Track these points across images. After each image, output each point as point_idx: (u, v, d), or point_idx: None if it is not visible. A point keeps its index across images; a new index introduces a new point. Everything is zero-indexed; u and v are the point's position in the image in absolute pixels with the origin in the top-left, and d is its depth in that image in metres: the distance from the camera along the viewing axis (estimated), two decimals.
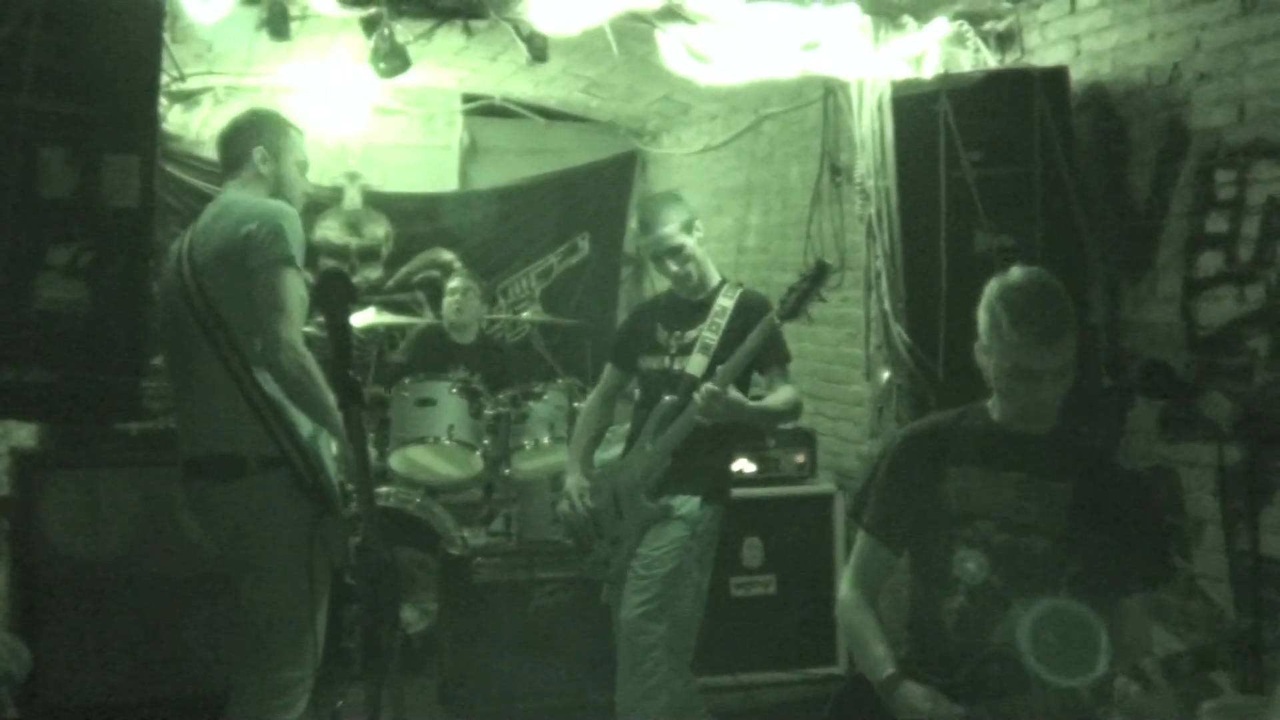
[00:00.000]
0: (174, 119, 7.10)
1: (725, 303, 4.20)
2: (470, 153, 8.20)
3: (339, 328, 2.60)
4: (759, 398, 4.17)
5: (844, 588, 2.96)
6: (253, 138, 3.88)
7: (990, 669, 2.65)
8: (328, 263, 7.21)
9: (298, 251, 3.64)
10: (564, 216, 8.28)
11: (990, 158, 4.33)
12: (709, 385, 3.89)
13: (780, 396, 4.11)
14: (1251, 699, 1.15)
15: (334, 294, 2.61)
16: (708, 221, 7.44)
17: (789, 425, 5.46)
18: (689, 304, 4.27)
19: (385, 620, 2.43)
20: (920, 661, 2.77)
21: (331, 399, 3.54)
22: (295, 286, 3.61)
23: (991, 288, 2.74)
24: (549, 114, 8.14)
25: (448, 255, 7.84)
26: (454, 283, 6.46)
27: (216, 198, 3.90)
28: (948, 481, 2.79)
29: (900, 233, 4.48)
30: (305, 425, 3.66)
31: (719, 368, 3.96)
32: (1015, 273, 2.74)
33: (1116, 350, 4.32)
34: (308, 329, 5.44)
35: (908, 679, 2.72)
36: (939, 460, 2.82)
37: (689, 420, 3.99)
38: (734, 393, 3.94)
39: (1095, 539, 2.68)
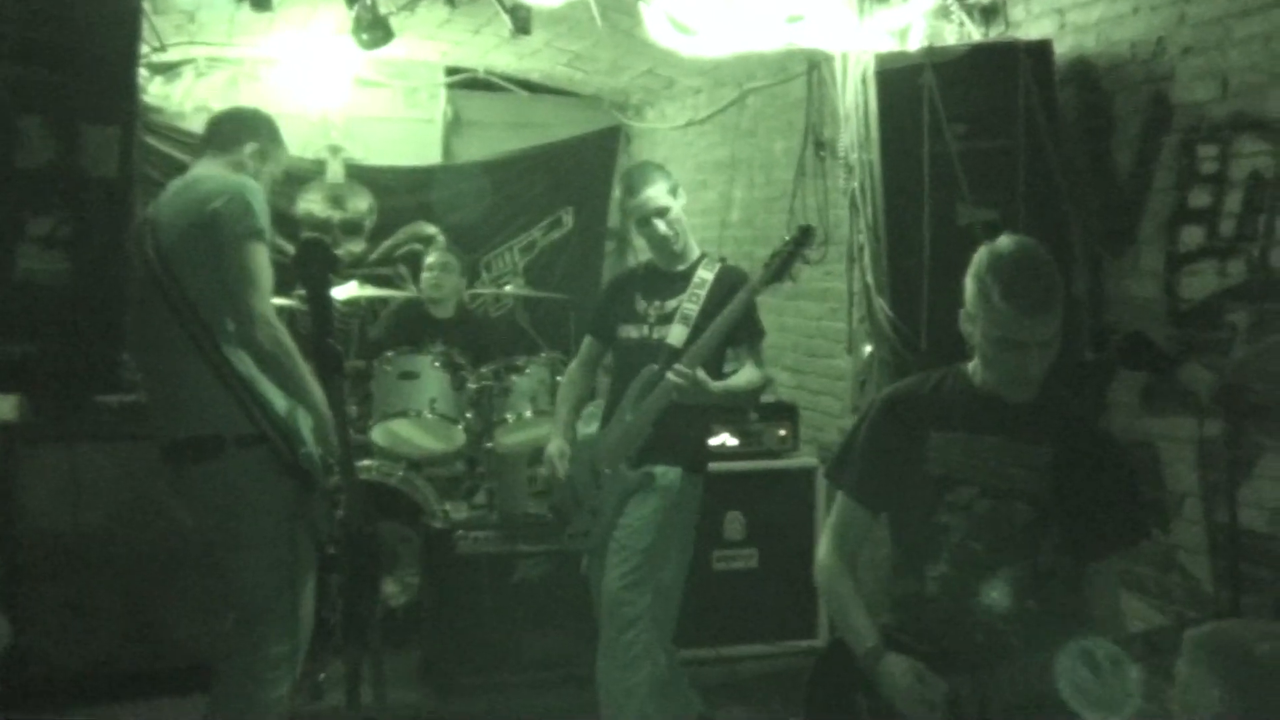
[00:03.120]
0: (155, 91, 7.05)
1: (705, 275, 4.22)
2: (453, 126, 8.16)
3: (319, 298, 2.59)
4: (730, 372, 4.20)
5: (823, 551, 2.94)
6: (252, 132, 3.95)
7: (974, 639, 2.66)
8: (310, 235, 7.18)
9: (265, 225, 3.64)
10: (547, 190, 8.27)
11: (974, 131, 4.31)
12: (680, 367, 3.91)
13: (745, 376, 4.15)
14: (1238, 622, 1.15)
15: (315, 263, 2.60)
16: (692, 196, 7.42)
17: (768, 395, 5.49)
18: (668, 275, 4.29)
19: (365, 591, 2.43)
20: (902, 629, 2.77)
21: (308, 372, 3.55)
22: (265, 261, 3.62)
23: (980, 257, 2.73)
24: (532, 87, 8.12)
25: (431, 229, 7.81)
26: (431, 257, 6.44)
27: (185, 172, 3.91)
28: (929, 446, 2.78)
29: (884, 206, 4.45)
30: (280, 400, 3.66)
31: (692, 346, 3.98)
32: (1005, 242, 2.72)
33: (1098, 324, 4.33)
34: (289, 302, 5.45)
35: (891, 651, 2.72)
36: (920, 424, 2.81)
37: (670, 389, 4.00)
38: (701, 374, 3.96)
39: (1074, 502, 2.68)
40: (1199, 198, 3.98)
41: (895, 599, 2.87)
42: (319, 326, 2.56)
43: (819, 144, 5.98)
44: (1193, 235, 3.99)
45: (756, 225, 6.80)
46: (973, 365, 2.83)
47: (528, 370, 5.70)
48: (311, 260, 2.60)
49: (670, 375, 3.94)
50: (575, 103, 8.29)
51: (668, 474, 4.10)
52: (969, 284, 2.74)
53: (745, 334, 4.15)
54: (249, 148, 3.91)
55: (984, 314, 2.68)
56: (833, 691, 2.88)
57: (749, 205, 6.91)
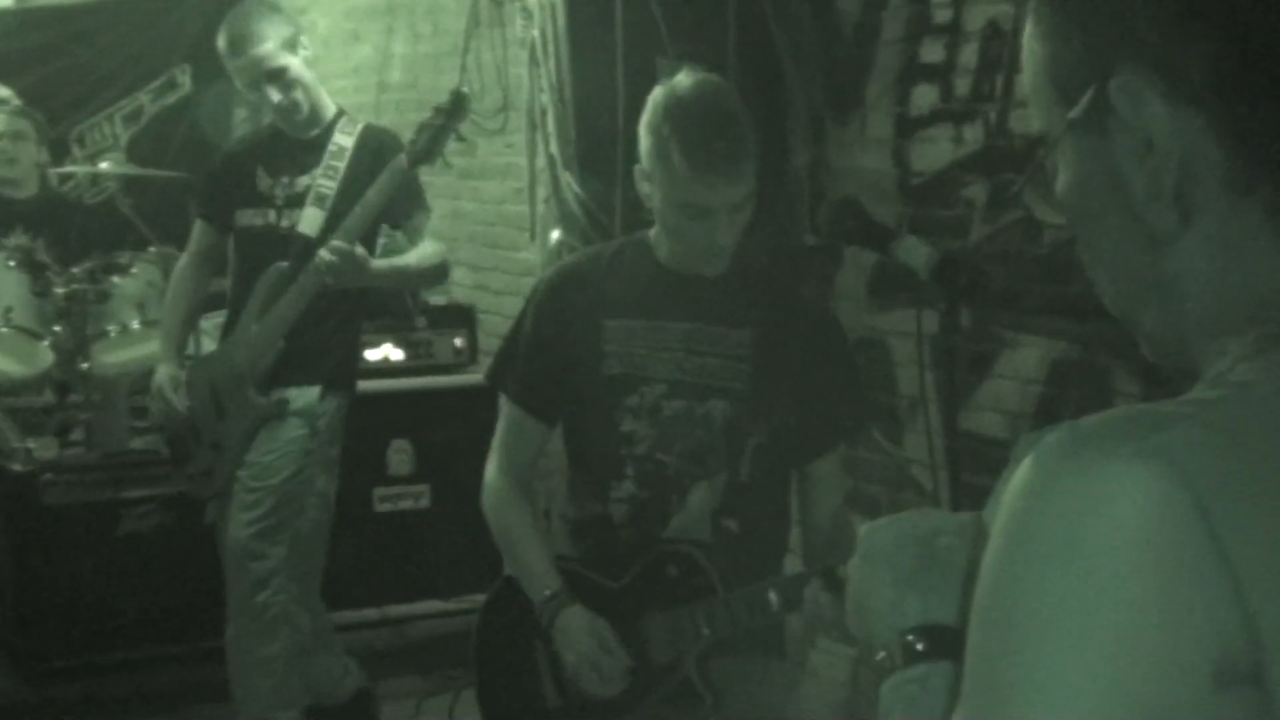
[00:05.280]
0: None
1: (344, 140, 4.12)
2: None
3: None
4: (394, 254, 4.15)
5: (490, 472, 2.92)
6: None
7: (666, 571, 2.70)
8: None
9: None
10: (156, 44, 7.87)
11: None
12: (336, 242, 3.82)
13: (422, 251, 4.09)
14: (915, 514, 1.19)
15: None
16: (342, 50, 7.30)
17: (439, 295, 5.47)
18: (297, 143, 4.17)
19: None
20: (584, 563, 2.79)
21: None
22: None
23: (657, 101, 2.67)
24: None
25: (2, 91, 7.39)
26: None
27: None
28: (605, 338, 2.76)
29: (569, 59, 4.47)
30: None
31: (344, 223, 3.88)
32: (684, 83, 2.67)
33: (820, 201, 4.46)
34: None
35: (573, 602, 2.72)
36: (594, 310, 2.79)
37: (304, 291, 3.91)
38: (360, 250, 3.87)
39: (782, 393, 2.71)
40: (932, 52, 4.13)
41: (575, 525, 2.88)
42: None
43: None
44: (925, 96, 4.15)
45: (422, 87, 6.70)
46: (655, 233, 2.80)
47: (134, 270, 5.57)
48: None
49: (322, 253, 3.83)
50: None
51: (304, 395, 4.02)
52: (644, 136, 2.68)
53: (409, 209, 4.07)
54: None
55: (663, 175, 2.63)
56: (505, 642, 2.89)
57: (412, 63, 6.83)
